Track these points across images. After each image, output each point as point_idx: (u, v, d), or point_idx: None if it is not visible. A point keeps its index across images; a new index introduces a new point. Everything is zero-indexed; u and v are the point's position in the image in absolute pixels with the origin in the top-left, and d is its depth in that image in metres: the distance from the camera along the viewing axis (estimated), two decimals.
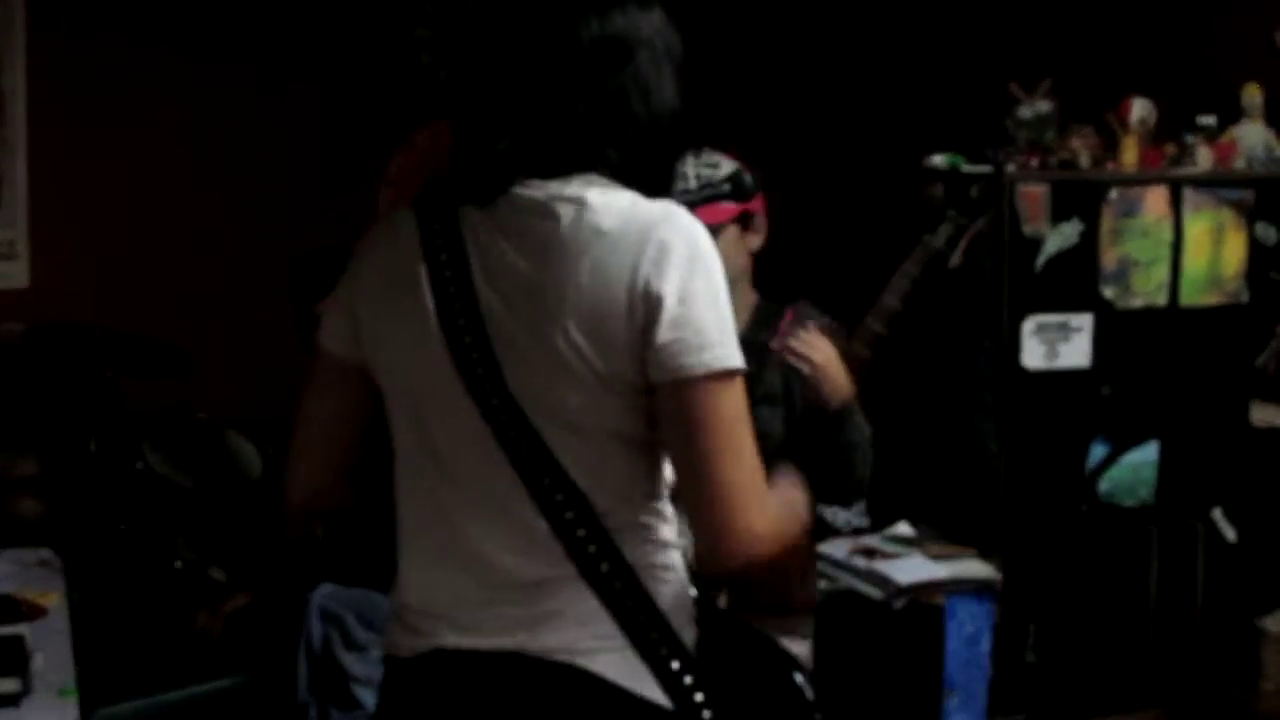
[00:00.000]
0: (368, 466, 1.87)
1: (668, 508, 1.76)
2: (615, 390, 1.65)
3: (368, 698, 3.18)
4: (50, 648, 2.87)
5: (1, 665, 2.66)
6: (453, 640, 1.73)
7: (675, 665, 1.68)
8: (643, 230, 1.64)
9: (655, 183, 1.73)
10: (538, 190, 1.68)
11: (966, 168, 3.61)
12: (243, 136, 4.83)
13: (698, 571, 2.36)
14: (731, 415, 1.67)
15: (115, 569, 3.94)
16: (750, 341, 2.57)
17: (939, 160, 3.65)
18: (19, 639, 2.84)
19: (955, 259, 2.48)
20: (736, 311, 2.65)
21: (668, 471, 1.75)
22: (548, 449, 1.67)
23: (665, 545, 1.74)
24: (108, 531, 4.02)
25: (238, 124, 4.83)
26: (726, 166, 2.86)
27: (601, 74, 1.68)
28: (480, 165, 1.71)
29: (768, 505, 1.72)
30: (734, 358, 1.67)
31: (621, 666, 1.67)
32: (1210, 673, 3.76)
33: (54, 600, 3.20)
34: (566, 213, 1.66)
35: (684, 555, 1.79)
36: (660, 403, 1.67)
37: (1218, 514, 3.80)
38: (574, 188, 1.67)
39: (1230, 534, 3.80)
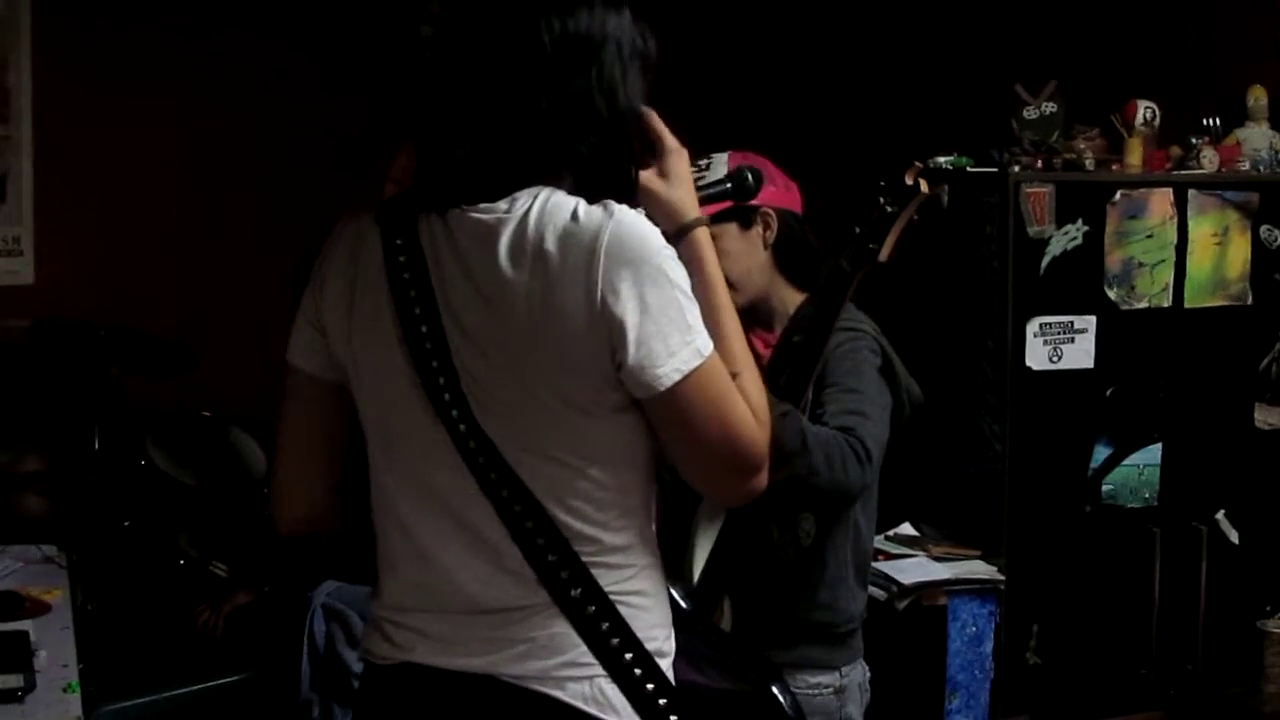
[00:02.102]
0: (355, 479, 1.84)
1: (647, 528, 1.73)
2: (588, 413, 1.64)
3: None
4: (54, 644, 2.88)
5: (5, 661, 2.66)
6: (425, 657, 1.72)
7: (650, 687, 1.67)
8: (586, 249, 1.59)
9: (617, 183, 1.70)
10: (486, 214, 1.64)
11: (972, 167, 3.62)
12: (248, 134, 4.83)
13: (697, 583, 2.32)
14: (718, 393, 1.64)
15: (119, 566, 3.94)
16: (791, 346, 2.49)
17: (944, 161, 3.65)
18: (23, 635, 2.85)
19: (884, 253, 2.38)
20: (777, 316, 2.62)
21: (645, 493, 1.73)
22: (517, 476, 1.65)
23: (641, 568, 1.71)
24: (112, 528, 4.02)
25: (242, 122, 4.83)
26: (722, 168, 2.75)
27: (565, 74, 1.64)
28: (440, 174, 1.69)
29: (765, 446, 1.69)
30: (703, 346, 1.62)
31: (592, 695, 1.66)
32: (1212, 674, 3.76)
33: (58, 596, 3.21)
34: (509, 237, 1.62)
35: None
36: (646, 410, 1.65)
37: (1221, 516, 3.80)
38: (519, 206, 1.63)
39: (1233, 536, 3.80)
